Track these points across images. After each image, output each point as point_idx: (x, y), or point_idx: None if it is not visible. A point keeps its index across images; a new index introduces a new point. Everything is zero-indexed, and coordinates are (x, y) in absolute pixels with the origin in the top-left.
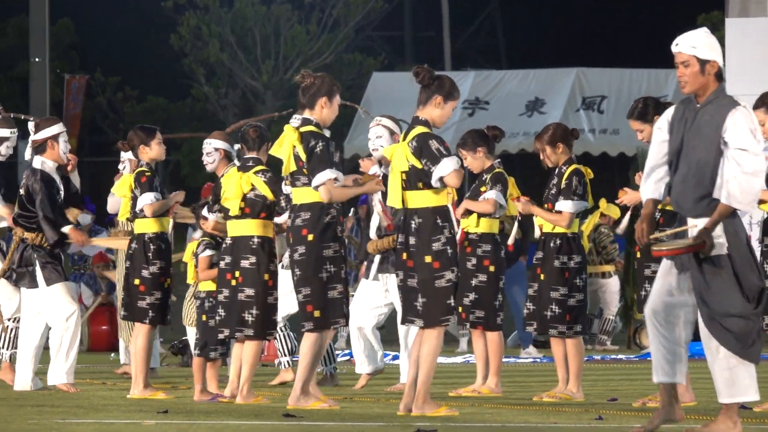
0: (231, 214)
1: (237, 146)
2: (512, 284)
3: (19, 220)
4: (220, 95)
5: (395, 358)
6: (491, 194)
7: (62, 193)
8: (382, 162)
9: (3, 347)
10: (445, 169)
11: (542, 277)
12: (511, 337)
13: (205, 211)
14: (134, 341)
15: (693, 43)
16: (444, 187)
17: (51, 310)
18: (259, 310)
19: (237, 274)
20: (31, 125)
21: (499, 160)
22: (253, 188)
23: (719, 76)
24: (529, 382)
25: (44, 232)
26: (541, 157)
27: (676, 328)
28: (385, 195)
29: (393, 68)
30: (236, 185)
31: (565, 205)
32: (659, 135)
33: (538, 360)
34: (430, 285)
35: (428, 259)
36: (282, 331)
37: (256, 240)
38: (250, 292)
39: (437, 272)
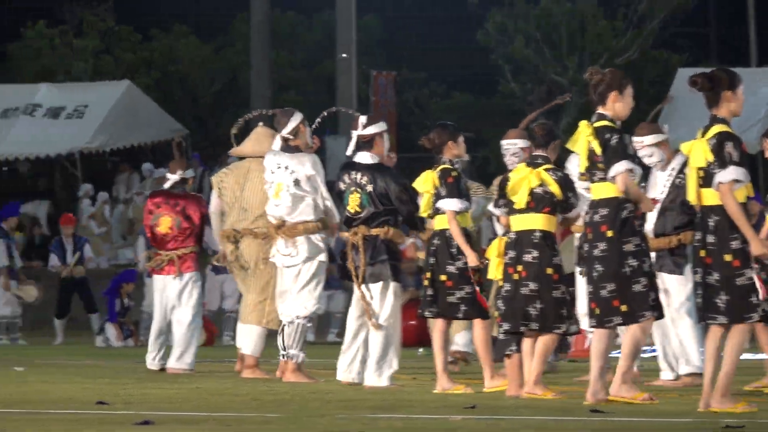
0: (516, 207)
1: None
2: None
3: (368, 218)
4: (526, 91)
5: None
6: None
7: None
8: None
9: (294, 347)
10: (724, 177)
11: None
12: None
13: (491, 207)
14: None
15: None
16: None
17: (379, 307)
18: (543, 304)
19: (519, 268)
20: (363, 119)
21: None
22: (542, 184)
23: None
24: None
25: (417, 226)
26: None
27: None
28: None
29: (698, 64)
30: (525, 180)
31: None
32: None
33: None
34: (732, 283)
35: (728, 258)
36: None
37: (538, 234)
38: (533, 286)
39: (737, 270)
